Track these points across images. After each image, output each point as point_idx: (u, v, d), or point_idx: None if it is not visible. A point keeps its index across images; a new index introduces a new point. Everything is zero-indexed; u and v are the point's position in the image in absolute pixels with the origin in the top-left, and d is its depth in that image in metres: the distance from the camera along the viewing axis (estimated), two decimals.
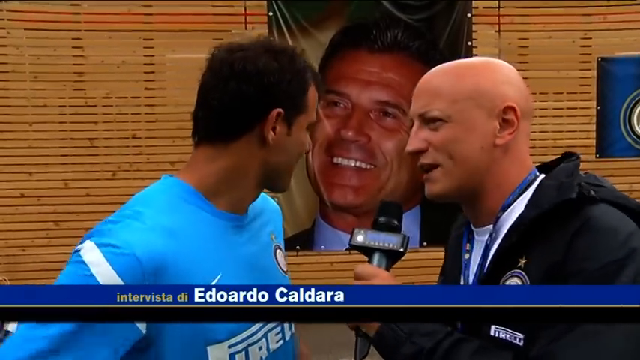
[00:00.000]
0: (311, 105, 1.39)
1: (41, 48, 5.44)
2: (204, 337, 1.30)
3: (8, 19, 5.47)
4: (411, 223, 5.63)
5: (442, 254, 1.48)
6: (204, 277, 1.29)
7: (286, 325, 1.47)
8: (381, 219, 1.31)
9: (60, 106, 5.47)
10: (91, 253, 1.22)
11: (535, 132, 5.75)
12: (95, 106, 5.48)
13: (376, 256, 1.28)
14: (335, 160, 5.68)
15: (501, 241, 1.24)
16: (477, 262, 1.29)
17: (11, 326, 5.23)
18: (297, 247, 5.57)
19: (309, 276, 5.39)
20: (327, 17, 5.66)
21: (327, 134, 5.64)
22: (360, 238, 1.29)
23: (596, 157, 5.77)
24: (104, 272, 1.20)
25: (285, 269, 1.51)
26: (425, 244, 5.58)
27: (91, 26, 5.47)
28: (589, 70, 5.83)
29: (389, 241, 1.28)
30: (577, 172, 1.25)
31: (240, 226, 1.40)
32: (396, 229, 1.31)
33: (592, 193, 1.18)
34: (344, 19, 5.67)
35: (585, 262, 1.12)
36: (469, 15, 5.74)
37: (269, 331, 1.41)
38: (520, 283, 1.18)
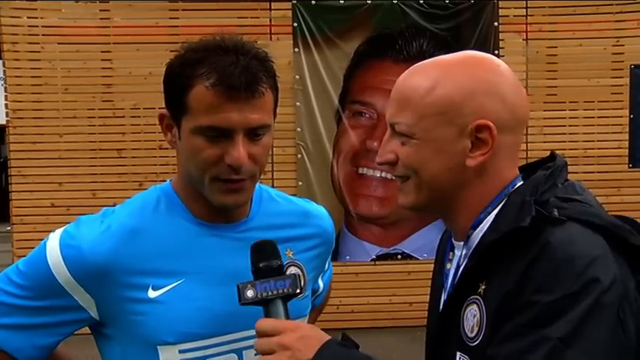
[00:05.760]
0: (195, 106, 1.21)
1: (72, 61, 5.57)
2: (154, 334, 1.28)
3: (43, 35, 5.63)
4: (438, 234, 5.52)
5: None
6: (160, 280, 1.28)
7: None
8: (262, 265, 1.20)
9: (89, 117, 5.59)
10: (54, 237, 1.29)
11: (565, 141, 5.62)
12: (123, 117, 5.59)
13: (274, 307, 1.17)
14: (360, 170, 5.65)
15: (465, 264, 1.16)
16: (451, 278, 1.23)
17: None
18: None
19: (334, 287, 5.20)
20: (352, 27, 5.65)
21: (353, 144, 5.62)
22: (250, 294, 1.17)
23: (628, 167, 5.61)
24: (55, 257, 1.27)
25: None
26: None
27: (119, 39, 5.58)
28: (621, 77, 5.69)
29: (281, 286, 1.17)
30: (549, 183, 1.13)
31: (222, 235, 1.34)
32: (280, 270, 1.21)
33: (555, 212, 1.07)
34: (369, 29, 5.66)
35: (539, 294, 1.03)
36: (496, 24, 5.67)
37: (245, 348, 1.32)
38: (477, 310, 1.10)
